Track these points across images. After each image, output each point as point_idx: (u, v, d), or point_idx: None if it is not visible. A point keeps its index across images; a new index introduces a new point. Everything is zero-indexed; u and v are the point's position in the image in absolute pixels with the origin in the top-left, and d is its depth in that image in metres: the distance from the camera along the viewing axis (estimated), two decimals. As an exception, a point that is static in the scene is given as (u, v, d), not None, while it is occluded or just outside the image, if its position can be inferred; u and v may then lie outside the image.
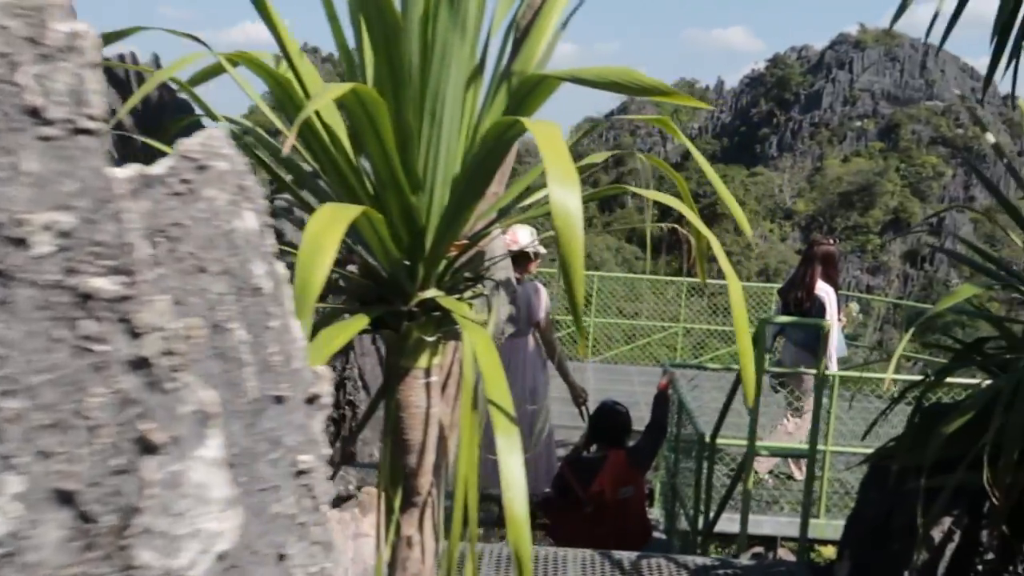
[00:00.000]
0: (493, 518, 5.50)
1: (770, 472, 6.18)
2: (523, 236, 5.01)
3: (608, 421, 5.02)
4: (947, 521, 3.13)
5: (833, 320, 6.17)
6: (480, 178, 1.60)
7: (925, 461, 2.86)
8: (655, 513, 6.37)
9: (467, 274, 1.88)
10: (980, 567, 3.14)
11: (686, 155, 77.05)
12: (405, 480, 1.90)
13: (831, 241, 6.53)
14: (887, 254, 63.20)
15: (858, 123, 74.15)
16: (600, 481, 4.81)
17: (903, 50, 77.01)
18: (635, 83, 1.35)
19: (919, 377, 5.65)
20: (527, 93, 1.55)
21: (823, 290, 6.21)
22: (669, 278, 13.18)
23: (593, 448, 5.05)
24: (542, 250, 5.21)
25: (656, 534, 5.59)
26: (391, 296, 1.78)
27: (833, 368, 6.13)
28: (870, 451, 5.74)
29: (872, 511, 3.33)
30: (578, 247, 1.28)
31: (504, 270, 3.65)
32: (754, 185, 67.13)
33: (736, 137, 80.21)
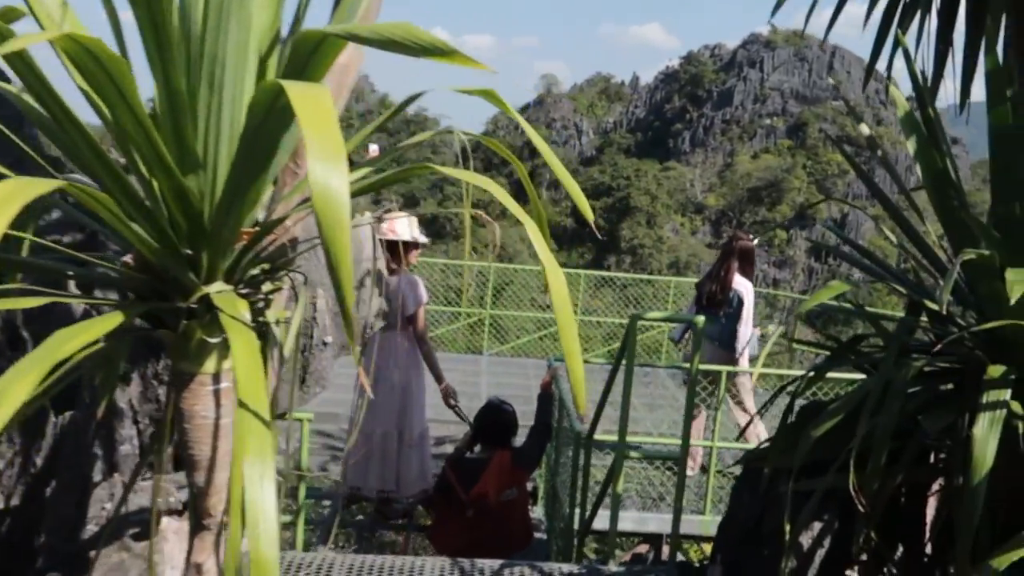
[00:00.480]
0: (367, 522, 5.26)
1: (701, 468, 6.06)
2: (401, 225, 4.77)
3: (493, 421, 4.84)
4: (818, 526, 3.04)
5: (749, 316, 6.09)
6: (256, 154, 1.37)
7: (793, 464, 2.74)
8: (537, 513, 6.22)
9: (265, 266, 1.65)
10: (850, 573, 3.06)
11: (601, 148, 77.65)
12: (194, 500, 1.66)
13: (751, 237, 6.44)
14: (793, 248, 64.91)
15: (768, 121, 75.90)
16: (483, 484, 4.62)
17: (811, 51, 79.03)
18: (413, 41, 1.15)
19: (796, 372, 5.62)
20: (309, 55, 1.33)
21: (741, 285, 6.08)
22: (577, 270, 12.99)
23: (477, 448, 4.86)
24: (422, 239, 4.98)
25: (538, 535, 5.43)
26: (170, 291, 1.54)
27: (744, 363, 6.03)
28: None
29: (744, 513, 3.22)
30: (342, 233, 1.07)
31: (372, 262, 3.40)
32: (666, 179, 68.09)
33: (650, 132, 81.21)
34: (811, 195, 67.02)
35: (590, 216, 1.64)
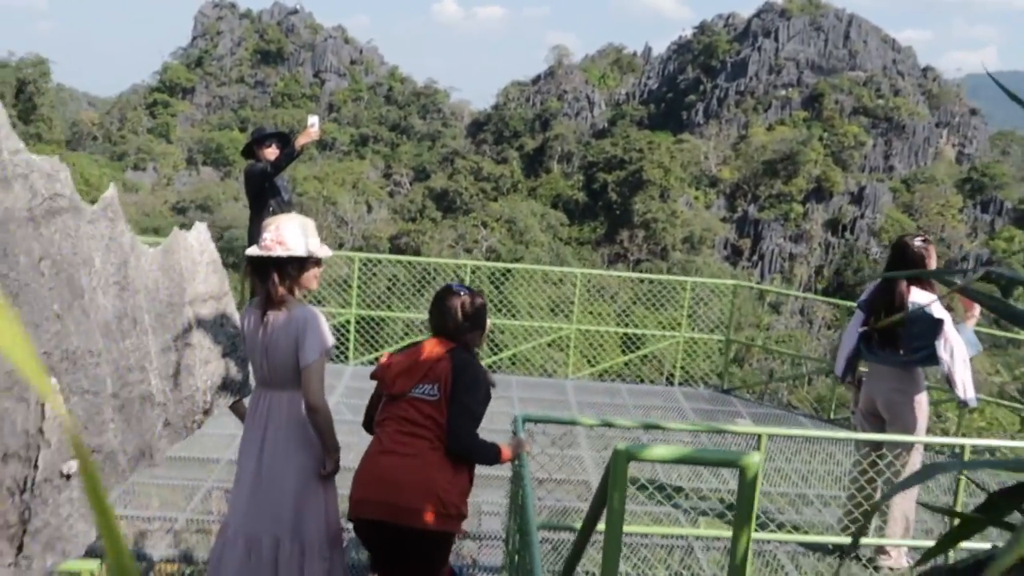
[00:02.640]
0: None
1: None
2: (291, 233, 3.26)
3: (435, 308, 3.43)
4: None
5: (955, 338, 4.59)
6: None
7: None
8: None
9: None
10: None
11: (613, 120, 76.61)
12: None
13: (921, 238, 4.83)
14: (809, 222, 63.86)
15: (782, 92, 74.66)
16: (391, 357, 3.38)
17: (828, 20, 77.50)
18: None
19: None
20: None
21: (922, 301, 4.60)
22: (573, 269, 10.77)
23: None
24: (325, 252, 3.34)
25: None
26: None
27: (971, 399, 4.66)
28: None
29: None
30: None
31: (205, 301, 2.66)
32: (680, 152, 67.01)
33: (663, 103, 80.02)
34: (827, 167, 65.82)
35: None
